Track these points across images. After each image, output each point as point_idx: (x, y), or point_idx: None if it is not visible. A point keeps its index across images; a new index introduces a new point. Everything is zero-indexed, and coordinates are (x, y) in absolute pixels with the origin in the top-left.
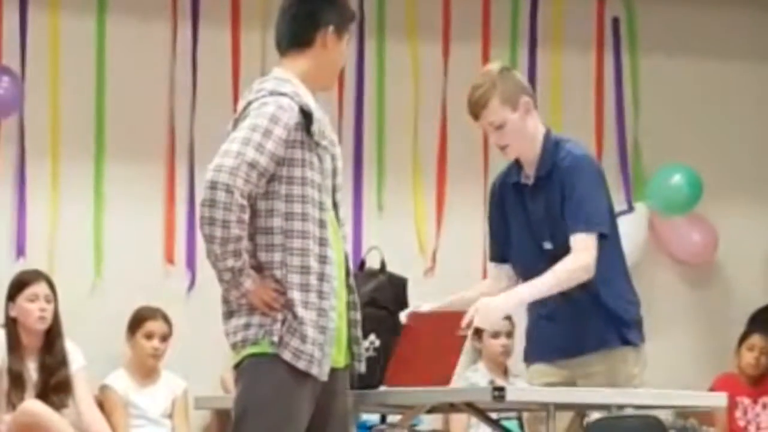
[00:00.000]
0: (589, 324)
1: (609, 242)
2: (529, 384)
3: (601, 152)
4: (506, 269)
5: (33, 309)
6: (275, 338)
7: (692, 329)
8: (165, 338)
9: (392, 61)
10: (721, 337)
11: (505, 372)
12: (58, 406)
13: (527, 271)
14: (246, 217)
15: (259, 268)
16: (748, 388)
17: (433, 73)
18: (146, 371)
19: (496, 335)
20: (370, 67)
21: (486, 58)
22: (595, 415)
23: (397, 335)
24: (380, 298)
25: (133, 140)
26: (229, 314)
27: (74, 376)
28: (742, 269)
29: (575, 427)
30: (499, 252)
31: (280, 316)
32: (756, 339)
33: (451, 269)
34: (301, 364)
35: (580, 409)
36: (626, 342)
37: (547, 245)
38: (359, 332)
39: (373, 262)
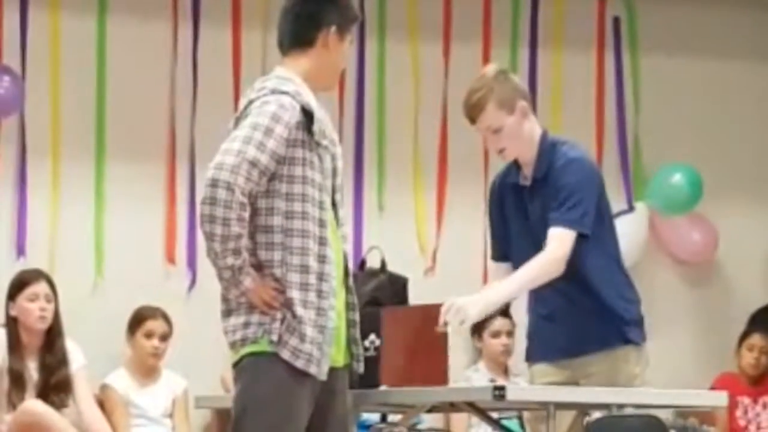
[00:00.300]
0: (589, 324)
1: (606, 242)
2: (530, 384)
3: (602, 152)
4: (507, 268)
5: (33, 308)
6: (274, 337)
7: (692, 329)
8: (165, 338)
9: (393, 61)
10: (721, 336)
11: (505, 371)
12: (58, 406)
13: None
14: (246, 215)
15: (258, 266)
16: (748, 387)
17: (433, 73)
18: (146, 371)
19: (496, 335)
20: (371, 67)
21: (486, 58)
22: (595, 415)
23: None
24: (381, 297)
25: (133, 140)
26: (228, 312)
27: (74, 375)
28: (742, 269)
29: (576, 426)
30: (500, 250)
31: (279, 315)
32: (756, 339)
33: (452, 269)
34: (299, 363)
35: (581, 409)
36: (627, 341)
37: (544, 245)
38: (357, 333)
39: (373, 262)
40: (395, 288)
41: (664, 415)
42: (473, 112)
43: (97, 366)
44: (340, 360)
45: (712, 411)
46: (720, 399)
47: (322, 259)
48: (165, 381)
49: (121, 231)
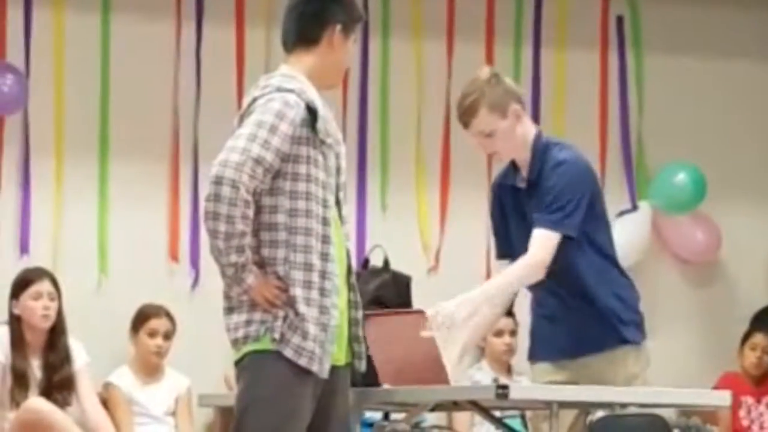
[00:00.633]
0: (586, 326)
1: (601, 242)
2: (533, 382)
3: (605, 150)
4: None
5: (37, 307)
6: (276, 335)
7: (695, 328)
8: (168, 336)
9: (396, 60)
10: (724, 336)
11: (508, 370)
12: (61, 404)
13: None
14: (250, 213)
15: (261, 264)
16: (751, 387)
17: (437, 71)
18: (150, 369)
19: (499, 334)
20: (374, 65)
21: (490, 57)
22: (598, 414)
23: None
24: (384, 296)
25: (137, 138)
26: (230, 310)
27: (78, 373)
28: (745, 268)
29: (579, 425)
30: (502, 249)
31: (281, 313)
32: (759, 338)
33: (455, 268)
34: (302, 361)
35: (584, 408)
36: (625, 341)
37: None
38: (360, 331)
39: (376, 261)
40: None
41: (667, 415)
42: (465, 116)
43: (101, 364)
44: (342, 358)
45: (715, 411)
46: (723, 399)
47: (325, 257)
48: (168, 379)
49: (124, 229)
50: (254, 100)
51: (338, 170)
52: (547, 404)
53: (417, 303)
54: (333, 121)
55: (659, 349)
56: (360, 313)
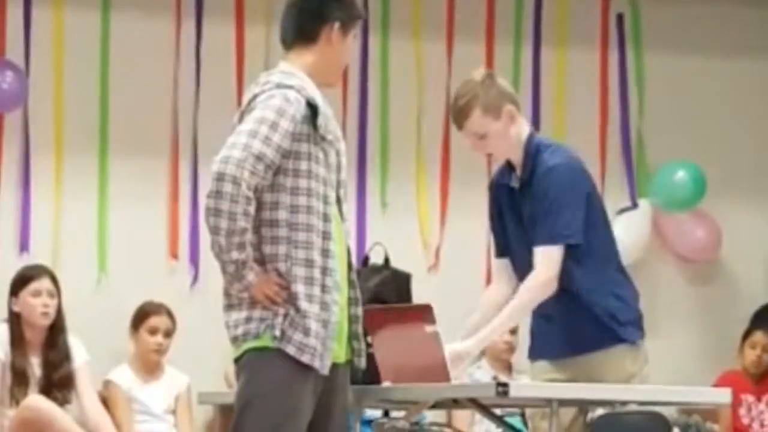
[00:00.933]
0: (583, 326)
1: (597, 242)
2: (532, 381)
3: (606, 148)
4: (507, 263)
5: (36, 304)
6: (277, 332)
7: (696, 326)
8: (169, 334)
9: (396, 58)
10: (724, 334)
11: (508, 368)
12: (61, 402)
13: (522, 271)
14: (252, 209)
15: (262, 260)
16: (751, 385)
17: (437, 70)
18: (150, 367)
19: None
20: (374, 64)
21: (490, 56)
22: (598, 411)
23: None
24: (384, 293)
25: (136, 135)
26: (229, 307)
27: (77, 371)
28: (746, 266)
29: (578, 424)
30: (500, 247)
31: (281, 311)
32: (758, 336)
33: (455, 266)
34: (305, 358)
35: (584, 405)
36: (621, 341)
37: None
38: (360, 328)
39: (377, 259)
40: (399, 284)
41: (668, 412)
42: (459, 118)
43: (100, 362)
44: (342, 355)
45: (715, 408)
46: (723, 396)
47: (326, 253)
48: (168, 377)
49: (124, 226)
50: (254, 96)
51: (338, 167)
52: (547, 402)
53: (417, 300)
54: (333, 118)
55: (659, 347)
56: (360, 310)
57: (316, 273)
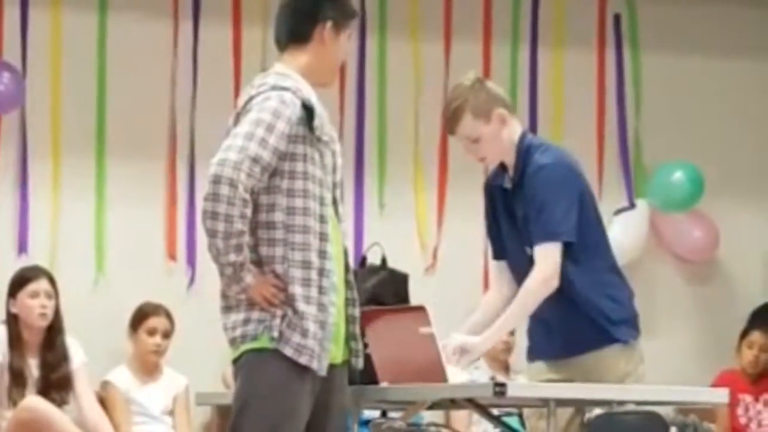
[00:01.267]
0: (577, 326)
1: (590, 242)
2: (530, 381)
3: (603, 149)
4: (504, 265)
5: (34, 305)
6: (275, 334)
7: (693, 326)
8: (167, 335)
9: (394, 58)
10: (722, 334)
11: (506, 368)
12: (59, 403)
13: (518, 272)
14: (249, 212)
15: (259, 262)
16: (749, 385)
17: (434, 70)
18: (148, 368)
19: None
20: (372, 64)
21: (487, 56)
22: (596, 411)
23: None
24: (381, 294)
25: (134, 136)
26: (227, 309)
27: (75, 372)
28: (743, 266)
29: (575, 423)
30: (496, 249)
31: (279, 312)
32: (756, 336)
33: (452, 266)
34: (303, 359)
35: (581, 405)
36: (615, 340)
37: (528, 250)
38: (357, 329)
39: (374, 259)
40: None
41: (665, 412)
42: (450, 123)
43: (98, 363)
44: (339, 356)
45: (712, 408)
46: (721, 396)
47: (323, 254)
48: (166, 378)
49: (121, 228)
50: (250, 98)
51: (334, 168)
52: (545, 402)
53: (414, 301)
54: (328, 119)
55: (657, 347)
56: (357, 311)
57: (313, 275)
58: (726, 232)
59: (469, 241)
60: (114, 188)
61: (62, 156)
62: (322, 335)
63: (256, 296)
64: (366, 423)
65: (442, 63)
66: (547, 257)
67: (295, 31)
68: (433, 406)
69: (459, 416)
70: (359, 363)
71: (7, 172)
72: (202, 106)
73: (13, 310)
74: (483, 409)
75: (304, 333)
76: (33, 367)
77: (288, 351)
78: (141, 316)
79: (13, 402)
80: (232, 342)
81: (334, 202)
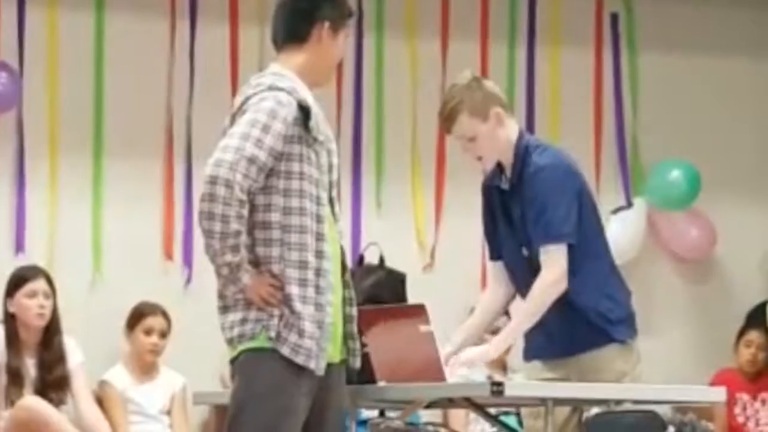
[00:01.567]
0: (574, 326)
1: (590, 242)
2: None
3: (600, 148)
4: (501, 266)
5: (32, 305)
6: (272, 333)
7: (691, 325)
8: (164, 334)
9: (391, 57)
10: (719, 332)
11: (503, 368)
12: (56, 403)
13: (513, 273)
14: (245, 212)
15: (256, 262)
16: (747, 384)
17: (431, 69)
18: (145, 367)
19: (495, 331)
20: (369, 63)
21: (484, 55)
22: (594, 410)
23: None
24: (379, 293)
25: (131, 136)
26: (225, 309)
27: (72, 372)
28: (740, 265)
29: (572, 423)
30: (493, 250)
31: (276, 312)
32: (753, 335)
33: (450, 266)
34: (299, 359)
35: (579, 404)
36: (613, 340)
37: (525, 251)
38: (354, 328)
39: (371, 259)
40: (394, 284)
41: (663, 411)
42: (447, 122)
43: (95, 362)
44: (337, 355)
45: (710, 407)
46: (718, 395)
47: (319, 254)
48: (163, 377)
49: (118, 227)
50: (246, 99)
51: (330, 168)
52: (543, 401)
53: (412, 300)
54: (325, 119)
55: (655, 346)
56: (354, 310)
57: (310, 274)
58: (723, 230)
59: (467, 240)
60: (111, 188)
61: (59, 155)
62: (319, 335)
63: (254, 296)
64: (364, 422)
65: (439, 62)
66: (555, 260)
67: (292, 31)
68: (430, 405)
69: (456, 415)
70: (357, 362)
71: (4, 171)
72: (199, 105)
73: (11, 309)
74: (480, 409)
75: (301, 333)
76: (30, 366)
77: (285, 351)
78: (138, 316)
79: (11, 402)
80: (230, 342)
81: (331, 201)
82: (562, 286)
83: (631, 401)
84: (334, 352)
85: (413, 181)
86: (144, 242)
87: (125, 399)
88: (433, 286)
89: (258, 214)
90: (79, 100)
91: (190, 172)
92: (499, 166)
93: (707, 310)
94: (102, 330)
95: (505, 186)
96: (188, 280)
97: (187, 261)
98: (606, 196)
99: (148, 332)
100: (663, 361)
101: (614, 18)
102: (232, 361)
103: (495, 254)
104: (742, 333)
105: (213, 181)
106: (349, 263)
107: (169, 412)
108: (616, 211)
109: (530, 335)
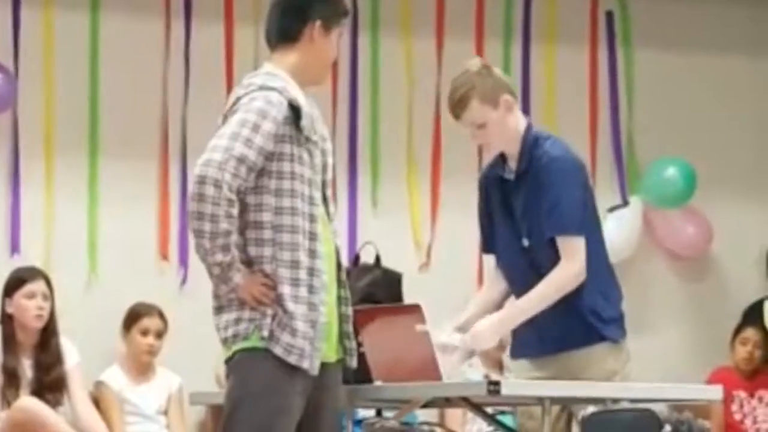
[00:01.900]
0: (566, 323)
1: (591, 241)
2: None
3: (596, 146)
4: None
5: (30, 306)
6: (265, 333)
7: (687, 323)
8: (160, 335)
9: (386, 56)
10: (715, 330)
11: (499, 366)
12: (53, 404)
13: (508, 267)
14: (235, 211)
15: (249, 262)
16: (743, 381)
17: (427, 68)
18: (141, 368)
19: None
20: (364, 62)
21: (480, 53)
22: (590, 409)
23: None
24: (375, 292)
25: (126, 136)
26: (219, 309)
27: (69, 373)
28: (736, 263)
29: (562, 421)
30: (487, 243)
31: (270, 311)
32: (749, 333)
33: (446, 265)
34: (292, 359)
35: (576, 403)
36: (603, 339)
37: (525, 242)
38: (350, 327)
39: (367, 258)
40: (390, 284)
41: (659, 409)
42: (457, 108)
43: (91, 363)
44: (332, 355)
45: (707, 405)
46: (715, 393)
47: (312, 254)
48: (160, 378)
49: (114, 228)
50: (237, 99)
51: (324, 167)
52: (540, 400)
53: (408, 299)
54: (319, 118)
55: (651, 343)
56: (350, 310)
57: (302, 274)
58: (719, 228)
59: (463, 239)
60: (106, 188)
61: (55, 156)
62: (313, 334)
63: (246, 295)
64: (360, 422)
65: (435, 60)
66: (575, 251)
67: (284, 31)
68: (427, 405)
69: (453, 415)
70: (353, 362)
71: (0, 172)
72: (194, 105)
73: (9, 310)
74: (477, 408)
75: (294, 333)
76: (27, 367)
77: (278, 350)
78: (134, 317)
79: (7, 402)
80: (225, 342)
81: (325, 201)
82: (581, 279)
83: (628, 400)
84: (329, 352)
85: (409, 180)
86: (140, 242)
87: (122, 399)
88: (429, 286)
89: (250, 214)
90: (75, 100)
91: (185, 171)
92: (501, 157)
93: (703, 308)
94: (98, 331)
95: (509, 176)
96: (184, 281)
97: (183, 261)
98: (602, 194)
99: (144, 333)
100: (659, 359)
101: (609, 16)
102: (227, 361)
103: (487, 247)
104: (738, 331)
105: (202, 180)
106: (345, 263)
107: (165, 413)
108: (612, 209)
109: (519, 332)
